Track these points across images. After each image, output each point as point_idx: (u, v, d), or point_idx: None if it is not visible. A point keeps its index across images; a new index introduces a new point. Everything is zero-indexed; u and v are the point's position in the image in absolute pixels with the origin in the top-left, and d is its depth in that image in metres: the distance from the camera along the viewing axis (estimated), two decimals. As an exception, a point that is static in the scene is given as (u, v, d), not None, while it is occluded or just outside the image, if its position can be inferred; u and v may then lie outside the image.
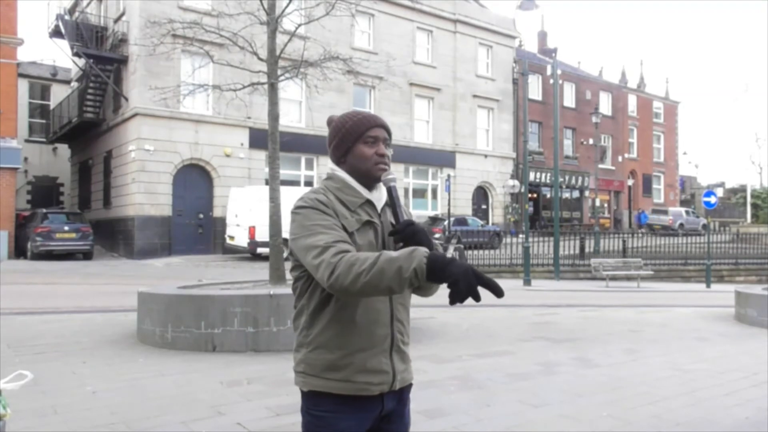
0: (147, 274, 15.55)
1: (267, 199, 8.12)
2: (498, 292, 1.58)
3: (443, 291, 1.87)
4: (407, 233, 1.72)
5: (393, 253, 1.56)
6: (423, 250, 1.55)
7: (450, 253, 19.19)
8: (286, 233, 3.96)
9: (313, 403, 1.77)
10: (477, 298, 1.54)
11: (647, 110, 41.88)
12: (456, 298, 1.52)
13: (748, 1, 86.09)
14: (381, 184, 1.87)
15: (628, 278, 18.81)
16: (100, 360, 5.68)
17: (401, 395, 1.88)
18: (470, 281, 1.52)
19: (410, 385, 1.92)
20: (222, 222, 20.98)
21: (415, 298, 1.96)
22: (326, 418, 1.75)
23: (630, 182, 39.37)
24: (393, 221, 1.83)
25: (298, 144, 21.73)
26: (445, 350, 6.47)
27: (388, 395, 1.81)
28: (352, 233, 1.74)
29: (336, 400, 1.74)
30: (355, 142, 1.84)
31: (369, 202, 1.83)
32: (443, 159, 28.73)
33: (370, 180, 1.83)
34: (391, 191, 1.83)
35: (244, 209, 18.72)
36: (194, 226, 21.50)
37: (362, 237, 1.76)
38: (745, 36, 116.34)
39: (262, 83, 8.94)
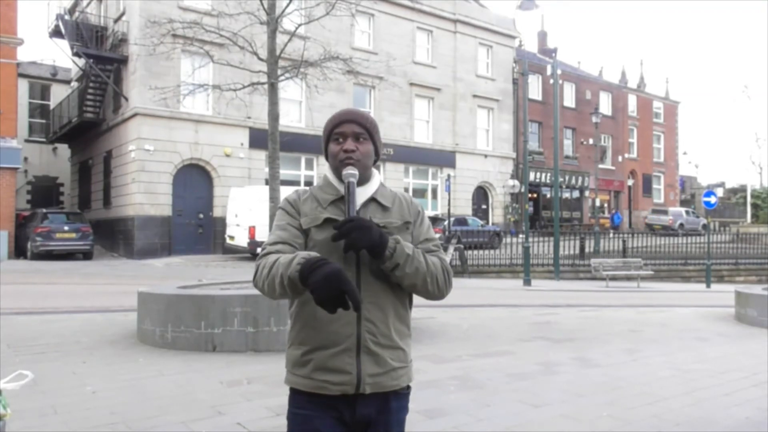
0: (147, 274, 15.55)
1: (267, 199, 8.13)
2: (356, 304, 1.55)
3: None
4: (343, 231, 1.67)
5: (283, 259, 1.64)
6: (302, 257, 1.60)
7: (450, 253, 19.19)
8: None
9: (291, 399, 1.82)
10: (344, 305, 1.53)
11: (647, 110, 41.87)
12: (321, 306, 1.54)
13: (748, 1, 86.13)
14: (374, 178, 1.89)
15: (628, 278, 18.81)
16: (100, 360, 5.68)
17: (385, 404, 1.77)
18: (331, 289, 1.51)
19: (396, 392, 1.80)
20: (222, 222, 20.98)
21: (414, 299, 1.94)
22: (300, 415, 1.78)
23: (630, 182, 39.37)
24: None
25: (298, 144, 21.72)
26: (445, 350, 6.47)
27: (361, 401, 1.73)
28: (308, 230, 1.80)
29: (306, 398, 1.76)
30: (327, 140, 1.89)
31: (342, 198, 1.81)
32: (443, 159, 28.73)
33: (342, 177, 1.81)
34: (348, 187, 1.77)
35: (244, 209, 18.72)
36: (194, 226, 21.50)
37: (320, 233, 1.78)
38: (745, 36, 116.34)
39: (262, 83, 8.95)
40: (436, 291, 1.82)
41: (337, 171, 1.85)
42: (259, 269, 1.72)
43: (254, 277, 1.75)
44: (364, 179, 1.84)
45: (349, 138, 1.84)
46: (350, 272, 1.72)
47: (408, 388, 1.86)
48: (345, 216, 1.74)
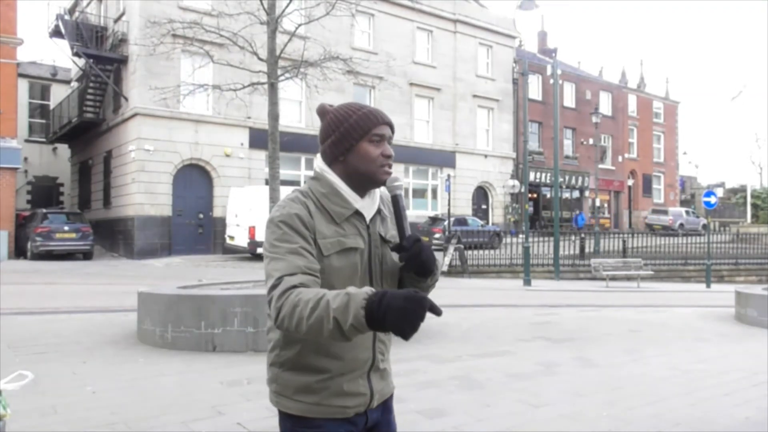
0: (147, 274, 15.55)
1: (267, 199, 8.12)
2: (439, 312, 1.39)
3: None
4: (413, 252, 1.54)
5: (332, 299, 1.36)
6: (360, 298, 1.33)
7: (450, 253, 19.20)
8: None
9: (292, 423, 1.63)
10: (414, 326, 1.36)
11: (647, 110, 41.87)
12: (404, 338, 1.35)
13: (748, 1, 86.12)
14: (375, 189, 1.68)
15: (628, 278, 18.81)
16: (100, 360, 5.68)
17: (385, 405, 1.78)
18: (413, 323, 1.32)
19: (392, 394, 1.82)
20: (222, 222, 20.98)
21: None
22: None
23: (630, 182, 39.37)
24: (397, 235, 1.63)
25: (298, 144, 21.72)
26: (445, 350, 6.46)
27: (369, 413, 1.71)
28: (329, 256, 1.56)
29: (319, 421, 1.61)
30: (359, 139, 1.61)
31: (358, 214, 1.63)
32: (443, 159, 28.73)
33: (370, 184, 1.63)
34: (397, 200, 1.63)
35: (244, 209, 18.73)
36: (194, 226, 21.50)
37: (341, 260, 1.58)
38: (744, 36, 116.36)
39: (262, 83, 8.95)
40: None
41: (361, 175, 1.62)
42: (288, 308, 1.42)
43: (279, 316, 1.44)
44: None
45: (386, 142, 1.64)
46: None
47: None
48: (404, 233, 1.59)
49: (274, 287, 1.48)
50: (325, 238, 1.57)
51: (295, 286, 1.45)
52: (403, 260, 1.56)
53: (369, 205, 1.66)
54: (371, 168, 1.61)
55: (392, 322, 1.31)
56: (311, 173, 1.73)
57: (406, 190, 27.53)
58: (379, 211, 1.69)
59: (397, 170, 26.68)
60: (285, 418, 1.65)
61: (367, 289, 1.36)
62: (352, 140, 1.60)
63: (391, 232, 1.69)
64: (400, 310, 1.30)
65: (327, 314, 1.35)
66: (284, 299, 1.43)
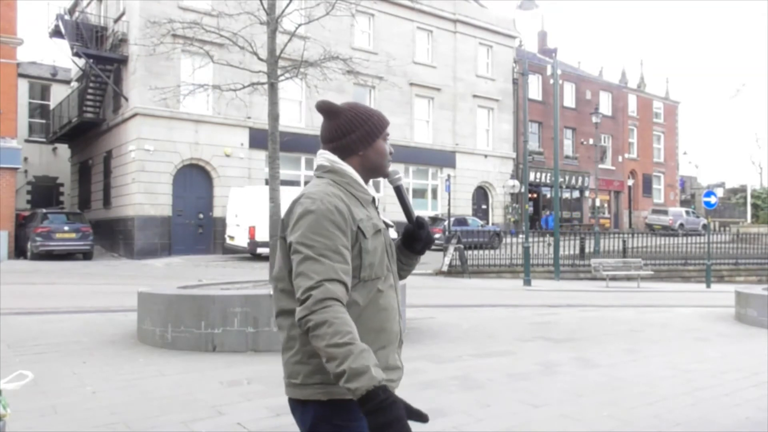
0: (147, 274, 15.55)
1: (267, 199, 8.12)
2: (423, 419, 1.55)
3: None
4: (426, 232, 1.82)
5: (355, 355, 1.47)
6: (377, 380, 1.46)
7: (450, 253, 19.20)
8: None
9: (336, 412, 1.66)
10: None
11: (647, 110, 41.87)
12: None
13: (748, 1, 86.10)
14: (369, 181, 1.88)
15: (628, 278, 18.81)
16: (100, 360, 5.68)
17: None
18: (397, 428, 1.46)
19: None
20: (222, 222, 20.98)
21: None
22: (349, 427, 1.66)
23: (630, 182, 39.37)
24: (406, 219, 1.87)
25: (298, 144, 21.72)
26: (445, 350, 6.47)
27: None
28: (367, 239, 1.69)
29: (352, 403, 1.59)
30: (379, 136, 1.80)
31: (374, 200, 1.81)
32: (443, 159, 28.73)
33: (377, 175, 1.83)
34: (400, 189, 1.84)
35: (244, 209, 18.73)
36: (194, 226, 21.50)
37: (375, 240, 1.72)
38: (744, 36, 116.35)
39: (262, 83, 8.94)
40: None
41: (373, 168, 1.81)
42: (319, 319, 1.50)
43: (306, 318, 1.52)
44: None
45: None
46: (393, 275, 1.80)
47: None
48: (411, 218, 1.84)
49: (312, 288, 1.54)
50: (363, 221, 1.70)
51: (335, 300, 1.54)
52: (419, 239, 1.81)
53: (374, 192, 1.84)
54: (383, 162, 1.81)
55: (379, 421, 1.44)
56: (311, 173, 1.79)
57: (406, 190, 27.51)
58: (373, 201, 1.87)
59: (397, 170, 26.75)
60: (319, 407, 1.66)
61: (383, 377, 1.49)
62: (375, 137, 1.79)
63: (385, 218, 1.81)
64: (395, 420, 1.44)
65: (341, 359, 1.47)
66: (320, 309, 1.52)
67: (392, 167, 1.86)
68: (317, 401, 1.67)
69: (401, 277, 1.93)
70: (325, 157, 1.78)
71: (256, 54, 8.92)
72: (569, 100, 35.62)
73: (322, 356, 1.52)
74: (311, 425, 1.69)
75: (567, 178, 34.43)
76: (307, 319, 1.52)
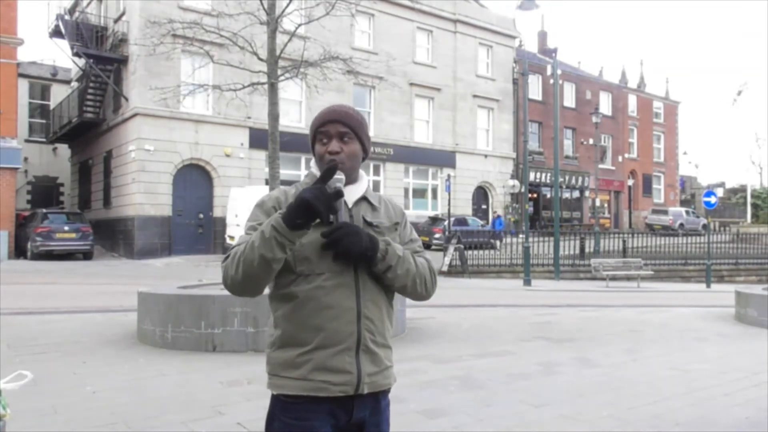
0: (147, 274, 15.55)
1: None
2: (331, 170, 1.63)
3: (440, 291, 1.87)
4: (333, 238, 1.64)
5: (252, 237, 1.62)
6: (276, 215, 1.61)
7: (450, 253, 19.20)
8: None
9: (281, 409, 1.69)
10: (335, 210, 1.62)
11: (647, 110, 41.87)
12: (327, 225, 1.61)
13: (748, 1, 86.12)
14: (362, 179, 1.84)
15: (628, 278, 18.81)
16: (100, 360, 5.68)
17: (376, 404, 1.76)
18: (326, 200, 1.57)
19: (386, 391, 1.80)
20: (222, 222, 20.97)
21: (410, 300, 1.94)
22: (298, 426, 1.65)
23: (630, 182, 39.37)
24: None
25: (298, 144, 21.64)
26: (445, 350, 6.46)
27: (358, 402, 1.70)
28: None
29: (303, 406, 1.65)
30: (313, 141, 1.81)
31: (337, 195, 1.74)
32: (443, 159, 28.73)
33: (326, 178, 1.71)
34: (339, 193, 1.64)
35: (245, 209, 18.71)
36: (194, 226, 21.50)
37: (309, 235, 1.64)
38: (744, 36, 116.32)
39: (262, 83, 8.95)
40: (424, 292, 1.83)
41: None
42: (230, 259, 1.66)
43: (224, 274, 1.67)
44: (351, 179, 1.78)
45: (334, 138, 1.76)
46: (348, 273, 1.70)
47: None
48: (335, 222, 1.65)
49: (226, 258, 1.69)
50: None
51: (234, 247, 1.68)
52: (324, 248, 1.68)
53: (353, 191, 1.79)
54: (322, 165, 1.77)
55: (301, 201, 1.55)
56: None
57: (407, 190, 27.58)
58: (368, 201, 1.82)
59: (397, 170, 26.77)
60: (273, 403, 1.72)
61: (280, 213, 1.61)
62: (311, 143, 1.82)
63: (378, 220, 1.81)
64: (305, 199, 1.56)
65: (255, 236, 1.61)
66: (226, 262, 1.66)
67: (340, 174, 1.66)
68: (274, 395, 1.72)
69: (396, 288, 1.78)
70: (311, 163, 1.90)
71: (256, 54, 8.92)
72: (569, 100, 35.62)
73: (258, 261, 1.59)
74: (267, 418, 1.74)
75: (567, 178, 34.43)
76: (224, 275, 1.67)
